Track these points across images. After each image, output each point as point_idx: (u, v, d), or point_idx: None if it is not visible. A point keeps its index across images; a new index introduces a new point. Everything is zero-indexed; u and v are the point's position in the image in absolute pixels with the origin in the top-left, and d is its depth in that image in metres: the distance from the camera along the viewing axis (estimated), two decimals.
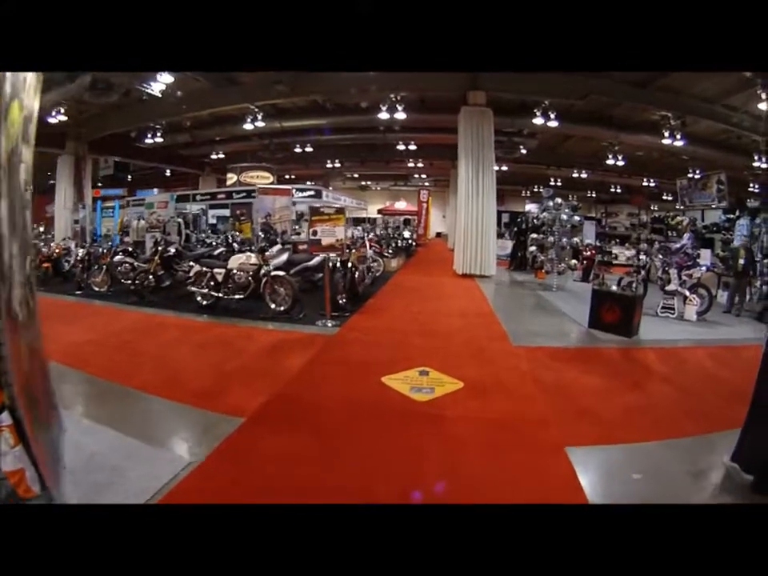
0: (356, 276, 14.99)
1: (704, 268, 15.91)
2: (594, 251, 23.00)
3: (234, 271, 13.62)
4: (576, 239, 20.56)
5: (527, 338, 11.59)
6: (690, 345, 11.88)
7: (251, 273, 13.47)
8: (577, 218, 20.54)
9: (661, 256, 16.48)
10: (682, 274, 15.16)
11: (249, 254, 14.21)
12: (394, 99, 23.10)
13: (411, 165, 42.29)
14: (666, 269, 15.61)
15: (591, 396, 8.02)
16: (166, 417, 7.01)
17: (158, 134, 28.36)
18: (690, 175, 26.47)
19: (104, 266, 16.88)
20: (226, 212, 27.98)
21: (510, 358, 10.15)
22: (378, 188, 60.69)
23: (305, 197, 26.81)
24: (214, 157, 36.27)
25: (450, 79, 21.52)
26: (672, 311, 14.94)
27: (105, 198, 34.50)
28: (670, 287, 15.11)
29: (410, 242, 35.23)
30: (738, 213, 21.05)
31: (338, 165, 42.63)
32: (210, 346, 10.44)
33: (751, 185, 26.53)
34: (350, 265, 14.73)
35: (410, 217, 51.18)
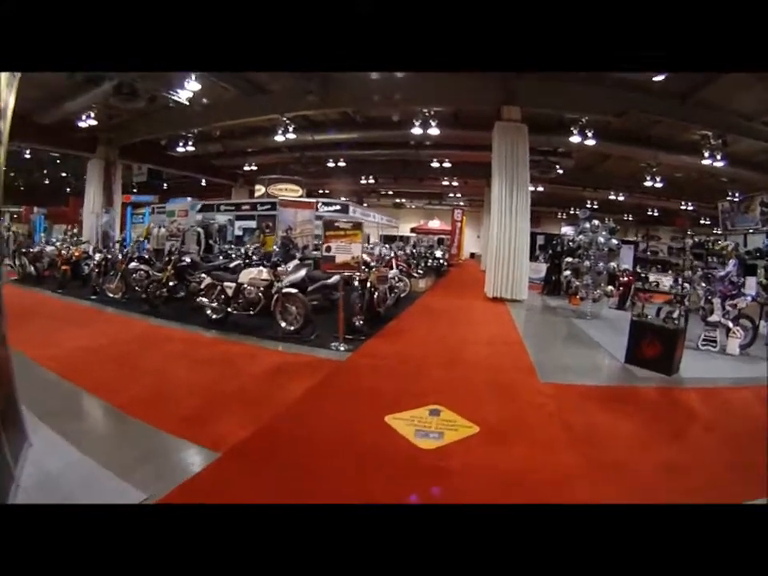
0: (375, 296, 13.98)
1: (749, 297, 14.48)
2: (631, 277, 21.64)
3: (245, 286, 12.78)
4: (613, 264, 19.13)
5: (557, 374, 10.48)
6: (734, 384, 10.61)
7: (262, 288, 12.63)
8: (615, 241, 19.10)
9: (704, 284, 15.11)
10: (726, 304, 13.79)
11: (261, 268, 13.22)
12: (426, 113, 22.60)
13: (446, 183, 41.81)
14: (709, 298, 14.27)
15: (626, 447, 6.91)
16: (139, 442, 6.24)
17: (189, 143, 28.21)
18: (731, 198, 25.21)
19: (119, 273, 16.56)
20: (254, 224, 27.02)
21: (536, 396, 8.98)
22: (413, 206, 60.04)
23: (330, 211, 25.36)
24: (246, 168, 36.14)
25: (484, 93, 20.62)
26: (714, 344, 13.48)
27: (136, 204, 34.36)
28: (713, 318, 13.74)
29: (441, 261, 33.97)
30: None
31: (371, 181, 41.69)
32: (210, 365, 9.80)
33: None
34: (368, 284, 13.67)
35: (443, 236, 50.35)
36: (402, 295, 19.10)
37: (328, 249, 11.82)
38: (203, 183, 42.18)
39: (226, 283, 13.08)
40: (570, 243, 21.86)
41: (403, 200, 58.77)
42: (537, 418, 7.96)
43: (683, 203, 39.68)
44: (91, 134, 27.88)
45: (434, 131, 23.30)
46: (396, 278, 18.02)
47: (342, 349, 11.20)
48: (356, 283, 13.37)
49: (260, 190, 31.08)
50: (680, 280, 12.93)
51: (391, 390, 8.79)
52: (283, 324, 12.34)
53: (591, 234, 19.00)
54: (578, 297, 19.22)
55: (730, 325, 13.43)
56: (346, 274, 12.28)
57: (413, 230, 54.44)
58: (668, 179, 31.44)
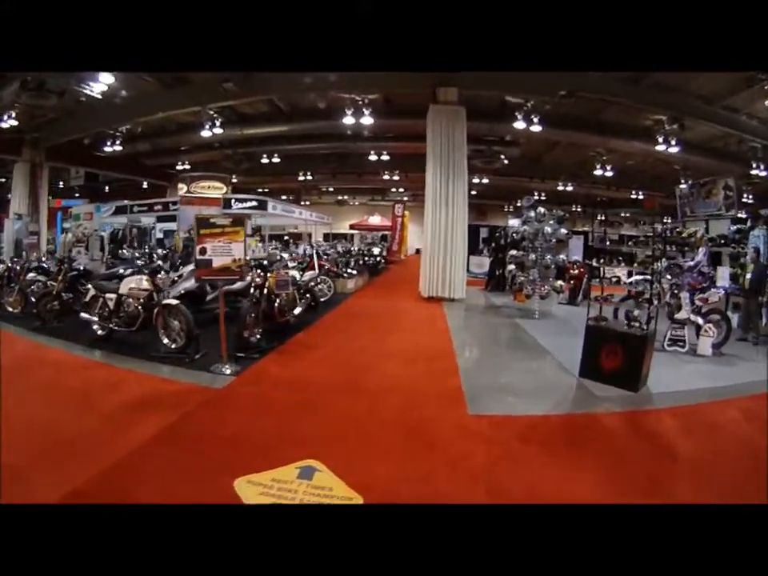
0: (277, 304, 11.72)
1: (722, 291, 13.36)
2: (582, 269, 20.23)
3: (125, 297, 10.81)
4: (562, 256, 17.27)
5: (492, 400, 8.28)
6: (715, 398, 8.84)
7: (142, 300, 10.62)
8: (563, 231, 17.08)
9: (669, 277, 13.12)
10: (696, 299, 12.28)
11: (141, 276, 11.22)
12: (358, 101, 20.55)
13: (386, 177, 39.68)
14: (676, 292, 12.50)
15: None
16: None
17: (117, 142, 26.08)
18: (691, 182, 23.89)
19: (18, 285, 14.71)
20: (176, 225, 25.17)
21: (459, 440, 6.67)
22: (356, 203, 58.18)
23: (245, 207, 23.28)
24: (179, 167, 33.95)
25: (417, 74, 17.93)
26: (682, 344, 11.87)
27: (67, 209, 32.27)
28: (681, 315, 12.06)
29: (378, 259, 32.54)
30: (750, 223, 18.31)
31: (309, 177, 39.78)
32: (65, 397, 7.80)
33: (746, 195, 25.01)
34: (266, 291, 11.47)
35: (386, 232, 48.59)
36: (325, 299, 17.35)
37: (202, 251, 9.42)
38: (144, 185, 39.73)
39: (108, 295, 11.05)
40: (514, 235, 19.65)
41: (345, 197, 56.84)
42: (456, 476, 5.66)
43: (635, 192, 38.17)
44: (20, 136, 26.00)
45: (367, 120, 21.49)
46: (316, 281, 16.80)
47: (227, 372, 9.06)
48: (252, 290, 11.44)
49: (182, 188, 28.80)
50: (651, 275, 10.58)
51: (261, 435, 6.63)
52: (166, 341, 10.32)
53: (537, 223, 16.96)
54: (523, 293, 17.07)
55: (701, 321, 11.95)
56: (230, 284, 10.74)
57: (351, 227, 52.97)
58: (619, 168, 30.34)
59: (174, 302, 10.50)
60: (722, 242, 17.86)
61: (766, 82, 16.03)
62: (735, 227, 18.66)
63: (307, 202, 49.52)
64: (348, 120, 21.35)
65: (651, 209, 36.73)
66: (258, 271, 11.59)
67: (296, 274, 14.00)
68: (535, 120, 20.76)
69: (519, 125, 21.02)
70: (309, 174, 38.74)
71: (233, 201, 23.71)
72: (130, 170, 35.51)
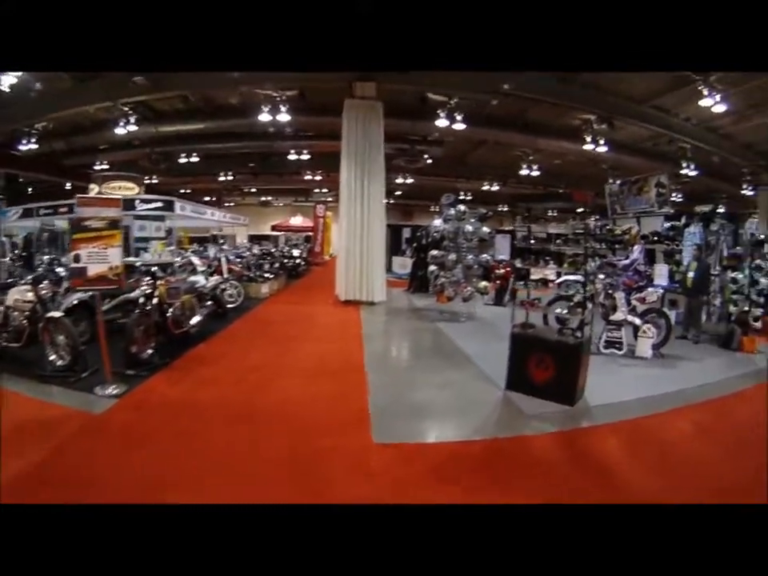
0: (170, 314, 10.36)
1: (660, 289, 12.66)
2: (509, 269, 19.50)
3: (11, 310, 9.55)
4: (486, 256, 16.26)
5: (403, 424, 7.08)
6: (661, 407, 7.91)
7: (27, 313, 9.35)
8: (485, 229, 16.23)
9: (602, 276, 12.35)
10: (632, 298, 11.73)
11: (25, 287, 9.90)
12: (275, 97, 19.41)
13: (309, 177, 38.33)
14: (610, 292, 11.80)
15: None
16: None
17: (32, 140, 24.31)
18: (620, 180, 23.18)
19: None
20: None
21: (360, 477, 5.54)
22: (281, 204, 56.39)
23: (150, 209, 21.52)
24: (98, 167, 31.03)
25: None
26: (619, 347, 11.20)
27: None
28: (617, 316, 11.38)
29: (297, 261, 31.15)
30: (684, 219, 17.84)
31: (230, 178, 38.14)
32: None
33: (675, 194, 24.49)
34: (156, 301, 10.12)
35: (310, 234, 47.56)
36: (234, 305, 16.21)
37: (76, 258, 8.18)
38: (68, 186, 36.42)
39: None
40: (435, 234, 18.69)
41: (269, 198, 54.59)
42: None
43: (562, 192, 37.42)
44: None
45: (284, 117, 20.35)
46: (222, 286, 15.46)
47: (111, 393, 7.90)
48: (141, 300, 9.93)
49: (94, 188, 27.24)
50: (584, 276, 9.51)
51: (125, 476, 5.38)
52: (52, 357, 9.03)
53: (457, 221, 16.06)
54: (444, 295, 16.10)
55: (638, 322, 11.39)
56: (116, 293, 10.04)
57: (273, 228, 51.51)
58: (546, 167, 29.67)
59: (58, 314, 9.21)
60: (656, 239, 17.53)
61: (699, 83, 15.72)
62: (669, 224, 18.34)
63: (231, 204, 48.57)
64: (264, 117, 20.31)
65: (582, 201, 35.97)
66: (148, 279, 10.34)
67: (200, 279, 13.26)
68: (458, 118, 19.91)
69: (441, 123, 20.17)
70: (230, 174, 37.48)
71: (137, 202, 21.94)
72: (48, 170, 33.46)
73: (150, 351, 9.70)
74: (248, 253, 24.68)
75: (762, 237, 15.33)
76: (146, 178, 30.95)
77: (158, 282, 10.33)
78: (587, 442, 6.59)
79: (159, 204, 21.71)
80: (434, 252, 16.59)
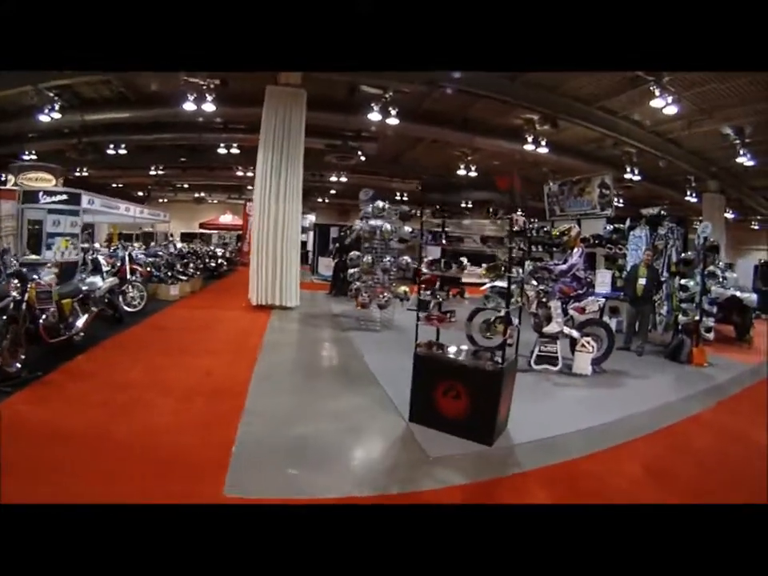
0: (43, 321, 8.92)
1: (602, 298, 11.78)
2: (436, 273, 17.44)
3: None
4: (407, 258, 14.75)
5: (267, 470, 5.45)
6: (605, 442, 6.49)
7: None
8: (407, 229, 14.81)
9: (535, 282, 10.85)
10: (569, 308, 10.31)
11: None
12: (201, 85, 18.20)
13: (240, 174, 36.76)
14: (545, 300, 10.34)
15: None
16: None
17: None
18: (559, 181, 22.33)
19: None
20: None
21: None
22: (215, 201, 54.94)
23: (54, 201, 19.67)
24: (26, 157, 29.17)
25: None
26: (554, 362, 9.82)
27: None
28: (551, 328, 9.99)
29: (219, 261, 28.91)
30: (629, 222, 17.03)
31: (161, 172, 36.65)
32: None
33: (617, 199, 24.24)
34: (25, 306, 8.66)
35: (240, 232, 46.40)
36: (136, 309, 14.48)
37: None
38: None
39: None
40: (359, 234, 17.11)
41: (203, 194, 52.93)
42: None
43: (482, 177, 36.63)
44: None
45: (209, 107, 18.94)
46: (118, 288, 13.57)
47: None
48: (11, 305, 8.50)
49: (10, 180, 25.86)
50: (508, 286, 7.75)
51: None
52: None
53: (374, 219, 14.59)
54: (359, 301, 14.56)
55: (576, 335, 10.06)
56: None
57: (201, 226, 49.32)
58: (483, 169, 28.34)
59: None
60: (597, 242, 16.75)
61: (651, 83, 15.31)
62: (612, 227, 17.47)
63: (164, 200, 47.43)
64: (189, 106, 18.95)
65: (504, 189, 34.95)
66: (15, 281, 8.79)
67: (97, 280, 11.81)
68: (393, 112, 19.09)
69: (374, 116, 19.24)
70: (160, 168, 35.96)
71: (40, 194, 20.12)
72: None
73: (18, 364, 8.23)
74: (162, 252, 22.86)
75: (716, 242, 14.50)
76: (77, 170, 30.81)
77: (29, 286, 8.81)
78: (506, 497, 5.07)
79: (65, 197, 20.08)
80: (353, 253, 15.22)
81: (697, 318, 12.33)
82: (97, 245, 21.34)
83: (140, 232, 31.93)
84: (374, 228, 14.12)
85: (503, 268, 6.84)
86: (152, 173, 35.95)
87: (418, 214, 8.21)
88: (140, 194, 42.73)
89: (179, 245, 29.06)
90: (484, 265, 7.99)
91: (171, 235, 35.26)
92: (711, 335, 12.66)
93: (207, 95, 18.42)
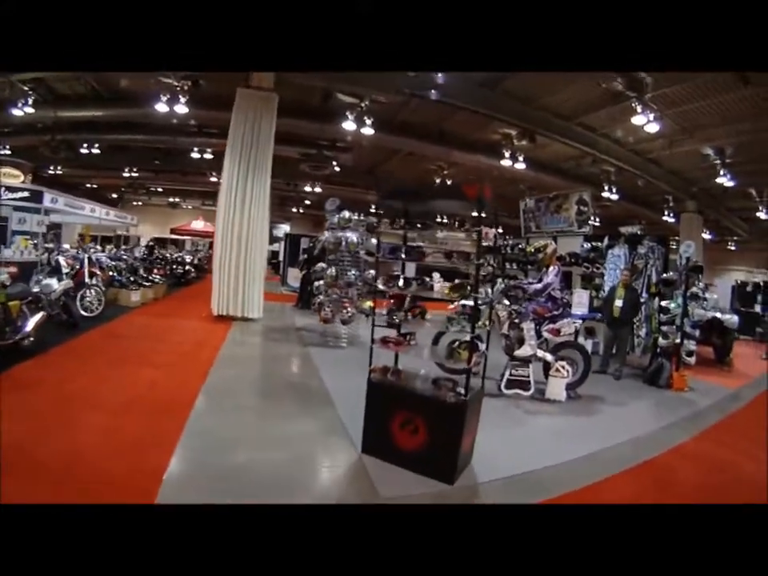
0: None
1: (579, 320, 11.03)
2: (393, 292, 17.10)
3: None
4: (373, 272, 13.15)
5: (204, 502, 4.50)
6: (578, 481, 5.81)
7: None
8: (374, 241, 13.38)
9: (507, 302, 10.23)
10: (543, 330, 9.66)
11: None
12: (176, 86, 17.69)
13: (215, 179, 34.50)
14: (517, 321, 9.73)
15: None
16: None
17: None
18: (539, 196, 21.92)
19: None
20: None
21: None
22: (190, 206, 54.24)
23: (15, 198, 19.32)
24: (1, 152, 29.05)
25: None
26: (525, 387, 9.20)
27: None
28: (523, 351, 9.30)
29: (187, 267, 28.20)
30: (607, 240, 16.58)
31: (135, 174, 35.90)
32: None
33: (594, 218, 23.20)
34: None
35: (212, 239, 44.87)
36: (93, 314, 14.01)
37: None
38: None
39: None
40: (314, 243, 17.87)
41: (177, 199, 52.50)
42: None
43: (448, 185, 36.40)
44: None
45: (182, 109, 18.34)
46: (73, 292, 13.19)
47: None
48: None
49: None
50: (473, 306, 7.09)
51: None
52: None
53: (340, 230, 13.92)
54: (322, 315, 13.91)
55: (550, 358, 9.48)
56: None
57: (173, 231, 48.02)
58: (460, 183, 26.30)
59: None
60: (573, 261, 16.19)
61: (632, 99, 15.05)
62: (589, 245, 16.94)
63: (138, 203, 47.47)
64: (161, 107, 18.33)
65: (473, 198, 34.60)
66: None
67: (53, 283, 11.65)
68: (368, 122, 18.80)
69: (349, 125, 18.85)
70: (133, 170, 35.33)
71: (2, 190, 19.40)
72: None
73: None
74: (126, 255, 22.40)
75: (699, 263, 13.88)
76: (50, 168, 30.72)
77: None
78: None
79: (26, 194, 19.78)
80: (319, 265, 14.67)
81: (678, 340, 11.96)
82: (66, 246, 20.39)
83: (113, 235, 31.36)
84: (339, 239, 13.52)
85: (469, 288, 6.16)
86: (125, 174, 35.21)
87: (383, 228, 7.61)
88: (114, 196, 42.48)
89: (143, 249, 28.41)
90: (447, 283, 7.24)
91: (139, 239, 35.01)
92: (693, 359, 12.31)
93: (180, 96, 17.86)
